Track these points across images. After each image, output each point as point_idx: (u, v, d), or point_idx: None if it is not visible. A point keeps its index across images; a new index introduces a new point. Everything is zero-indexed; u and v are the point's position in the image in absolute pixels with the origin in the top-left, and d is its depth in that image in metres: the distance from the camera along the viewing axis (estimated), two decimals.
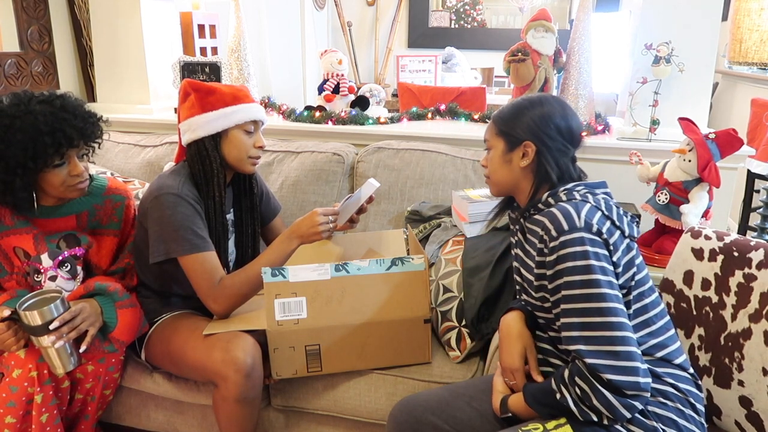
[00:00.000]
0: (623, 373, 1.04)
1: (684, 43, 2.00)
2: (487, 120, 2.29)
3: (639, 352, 1.07)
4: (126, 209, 1.71)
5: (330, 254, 1.75)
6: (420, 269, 1.51)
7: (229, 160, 1.61)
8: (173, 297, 1.69)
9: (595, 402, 1.05)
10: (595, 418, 1.07)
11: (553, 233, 1.12)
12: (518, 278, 1.31)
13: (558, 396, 1.10)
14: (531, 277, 1.22)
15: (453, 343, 1.60)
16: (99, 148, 1.62)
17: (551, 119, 1.23)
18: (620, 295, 1.10)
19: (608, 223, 1.13)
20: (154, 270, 1.63)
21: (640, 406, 1.07)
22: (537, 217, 1.19)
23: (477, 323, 1.57)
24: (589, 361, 1.06)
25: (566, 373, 1.11)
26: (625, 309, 1.10)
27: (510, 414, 1.22)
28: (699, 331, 1.37)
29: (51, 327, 1.38)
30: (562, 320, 1.12)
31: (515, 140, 1.25)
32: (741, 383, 1.27)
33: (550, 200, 1.20)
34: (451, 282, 1.65)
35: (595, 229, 1.11)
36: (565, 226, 1.11)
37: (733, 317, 1.31)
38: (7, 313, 1.40)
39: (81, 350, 1.46)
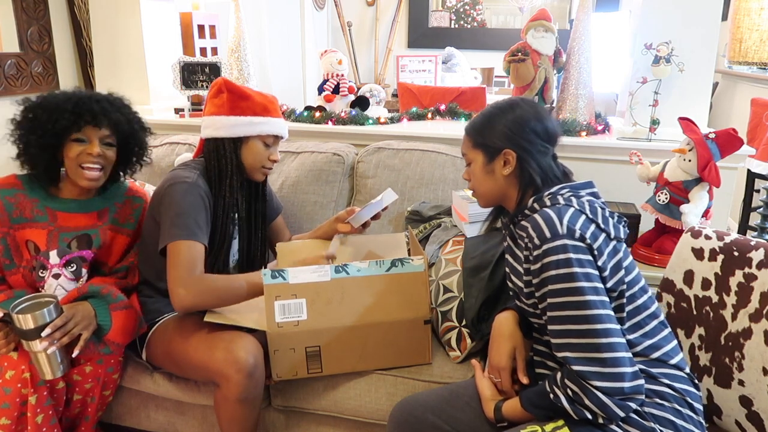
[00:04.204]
0: (609, 379, 1.04)
1: (684, 43, 2.00)
2: None
3: (628, 356, 1.07)
4: (143, 212, 1.74)
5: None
6: (420, 270, 1.51)
7: (244, 165, 1.64)
8: None
9: (587, 402, 1.06)
10: (590, 416, 1.07)
11: (536, 241, 1.12)
12: (510, 284, 1.31)
13: (552, 396, 1.11)
14: (521, 284, 1.22)
15: (453, 343, 1.60)
16: (145, 157, 1.70)
17: (526, 123, 1.22)
18: (607, 301, 1.09)
19: (592, 227, 1.12)
20: (159, 265, 1.63)
21: (635, 406, 1.07)
22: (523, 223, 1.18)
23: (477, 323, 1.57)
24: (575, 368, 1.06)
25: (558, 375, 1.11)
26: (612, 314, 1.09)
27: (506, 422, 1.22)
28: (699, 330, 1.37)
29: (43, 334, 1.38)
30: (550, 327, 1.12)
31: (494, 150, 1.24)
32: (741, 383, 1.27)
33: (535, 206, 1.19)
34: (451, 282, 1.65)
35: (578, 234, 1.10)
36: (548, 234, 1.10)
37: (734, 317, 1.31)
38: None
39: (74, 354, 1.46)
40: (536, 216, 1.14)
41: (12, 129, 1.54)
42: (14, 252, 1.56)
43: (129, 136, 1.62)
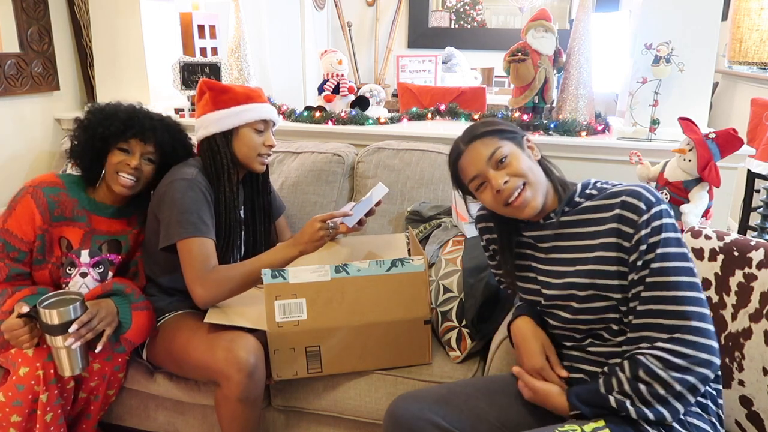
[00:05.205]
0: (698, 349, 1.02)
1: (684, 43, 2.00)
2: None
3: (713, 330, 1.05)
4: None
5: (331, 256, 1.75)
6: (420, 270, 1.51)
7: (239, 157, 1.64)
8: (178, 294, 1.69)
9: (662, 392, 1.03)
10: (652, 416, 1.04)
11: (643, 207, 1.09)
12: (548, 291, 1.24)
13: (614, 403, 1.06)
14: (578, 279, 1.17)
15: (453, 343, 1.60)
16: None
17: None
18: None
19: None
20: (162, 262, 1.64)
21: (692, 399, 1.05)
22: (599, 203, 1.16)
23: (477, 323, 1.57)
24: (663, 345, 1.04)
25: (624, 375, 1.07)
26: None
27: (579, 410, 1.14)
28: None
29: (70, 330, 1.40)
30: (644, 294, 1.08)
31: (519, 137, 1.22)
32: (741, 383, 1.27)
33: (602, 186, 1.20)
34: (451, 282, 1.65)
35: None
36: (653, 199, 1.10)
37: (734, 317, 1.31)
38: (25, 309, 1.41)
39: (98, 350, 1.48)
40: (631, 187, 1.13)
41: (74, 126, 1.64)
42: (47, 248, 1.59)
43: (171, 158, 1.66)
